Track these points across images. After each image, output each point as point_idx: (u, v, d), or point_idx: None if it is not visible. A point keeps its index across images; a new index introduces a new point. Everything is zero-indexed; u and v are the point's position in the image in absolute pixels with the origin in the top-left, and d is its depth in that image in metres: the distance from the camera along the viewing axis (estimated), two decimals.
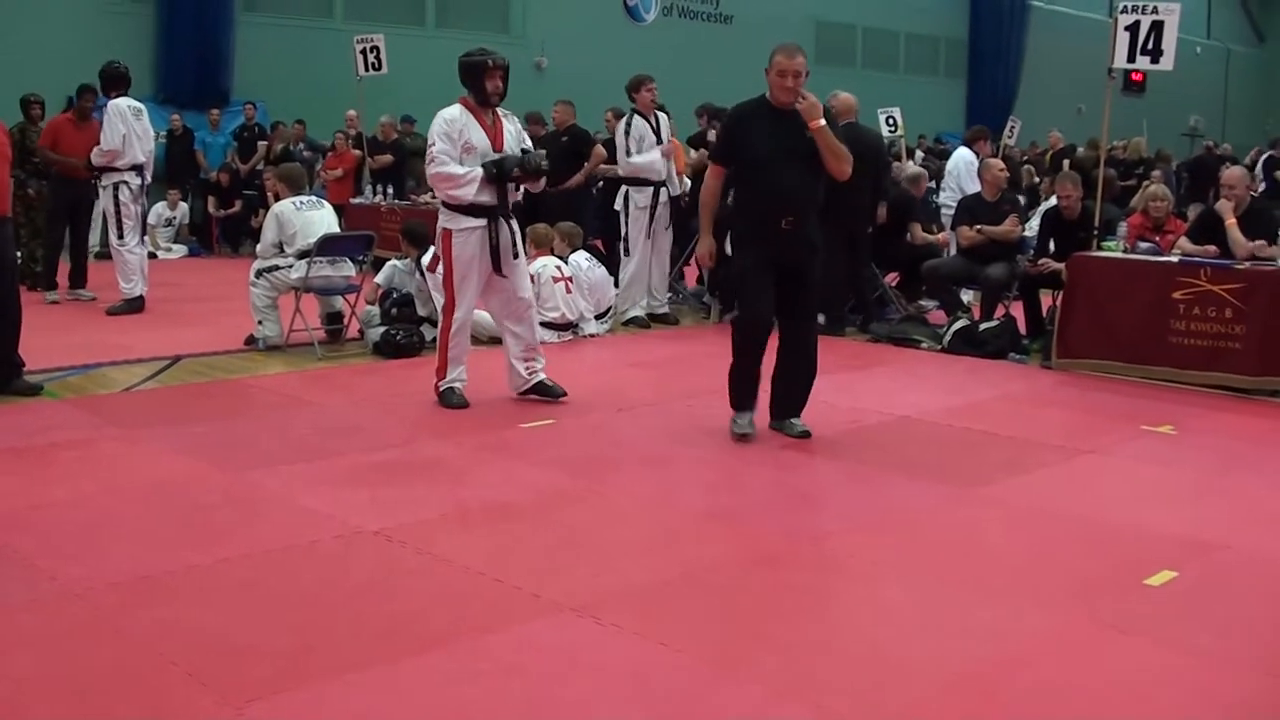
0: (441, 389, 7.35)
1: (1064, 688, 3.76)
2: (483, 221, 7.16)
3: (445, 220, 7.27)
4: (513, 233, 7.29)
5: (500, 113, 7.33)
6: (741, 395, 6.70)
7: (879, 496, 5.69)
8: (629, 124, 10.65)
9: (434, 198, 14.05)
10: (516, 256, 7.33)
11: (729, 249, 10.58)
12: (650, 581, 4.55)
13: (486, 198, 7.14)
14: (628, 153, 10.62)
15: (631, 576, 4.60)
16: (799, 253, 6.54)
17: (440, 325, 7.42)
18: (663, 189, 10.80)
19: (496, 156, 7.14)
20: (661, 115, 10.92)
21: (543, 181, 7.55)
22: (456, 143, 7.11)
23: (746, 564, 4.78)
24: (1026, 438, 6.91)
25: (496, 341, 7.45)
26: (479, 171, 7.07)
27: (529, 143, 7.59)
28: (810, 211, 6.58)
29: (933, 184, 14.25)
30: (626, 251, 10.81)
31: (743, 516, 5.38)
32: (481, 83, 7.16)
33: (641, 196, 10.71)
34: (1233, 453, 6.75)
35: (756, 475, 6.07)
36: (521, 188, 7.50)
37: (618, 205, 10.92)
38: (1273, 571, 4.77)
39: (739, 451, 6.49)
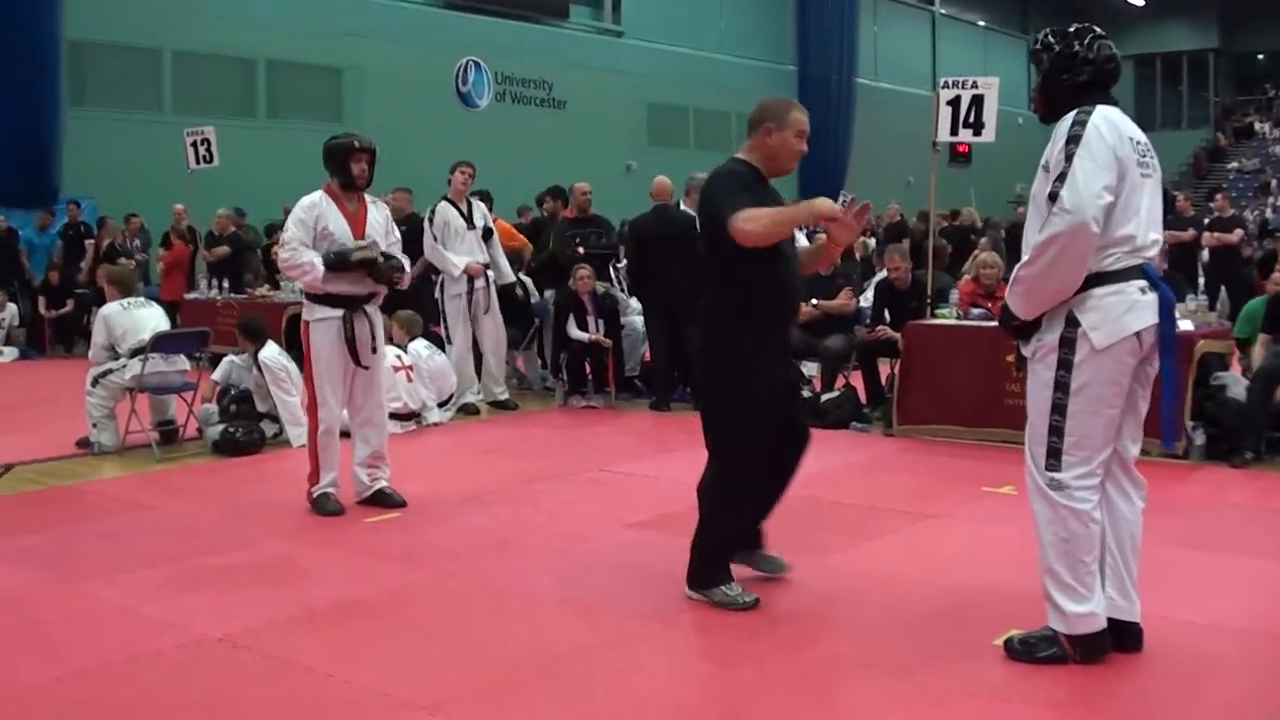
0: (315, 495, 7.02)
1: None
2: (339, 312, 6.92)
3: (305, 311, 7.05)
4: (373, 325, 7.07)
5: (368, 199, 7.14)
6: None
7: None
8: (433, 213, 10.64)
9: (270, 290, 13.98)
10: (375, 350, 7.10)
11: (571, 331, 10.70)
12: (502, 674, 4.48)
13: (346, 287, 6.91)
14: (433, 239, 10.59)
15: (483, 670, 4.53)
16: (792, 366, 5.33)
17: (308, 427, 7.17)
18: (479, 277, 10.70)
19: (346, 246, 6.86)
20: (477, 203, 10.93)
21: (404, 280, 7.29)
22: (312, 229, 6.88)
23: (598, 648, 4.74)
24: (872, 504, 7.01)
25: (346, 435, 7.25)
26: (318, 260, 6.81)
27: (396, 232, 7.37)
28: None
29: None
30: (448, 339, 10.77)
31: (592, 601, 5.33)
32: (346, 166, 6.94)
33: (454, 285, 10.67)
34: None
35: (605, 559, 6.04)
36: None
37: (437, 294, 10.88)
38: None
39: (585, 535, 6.46)
